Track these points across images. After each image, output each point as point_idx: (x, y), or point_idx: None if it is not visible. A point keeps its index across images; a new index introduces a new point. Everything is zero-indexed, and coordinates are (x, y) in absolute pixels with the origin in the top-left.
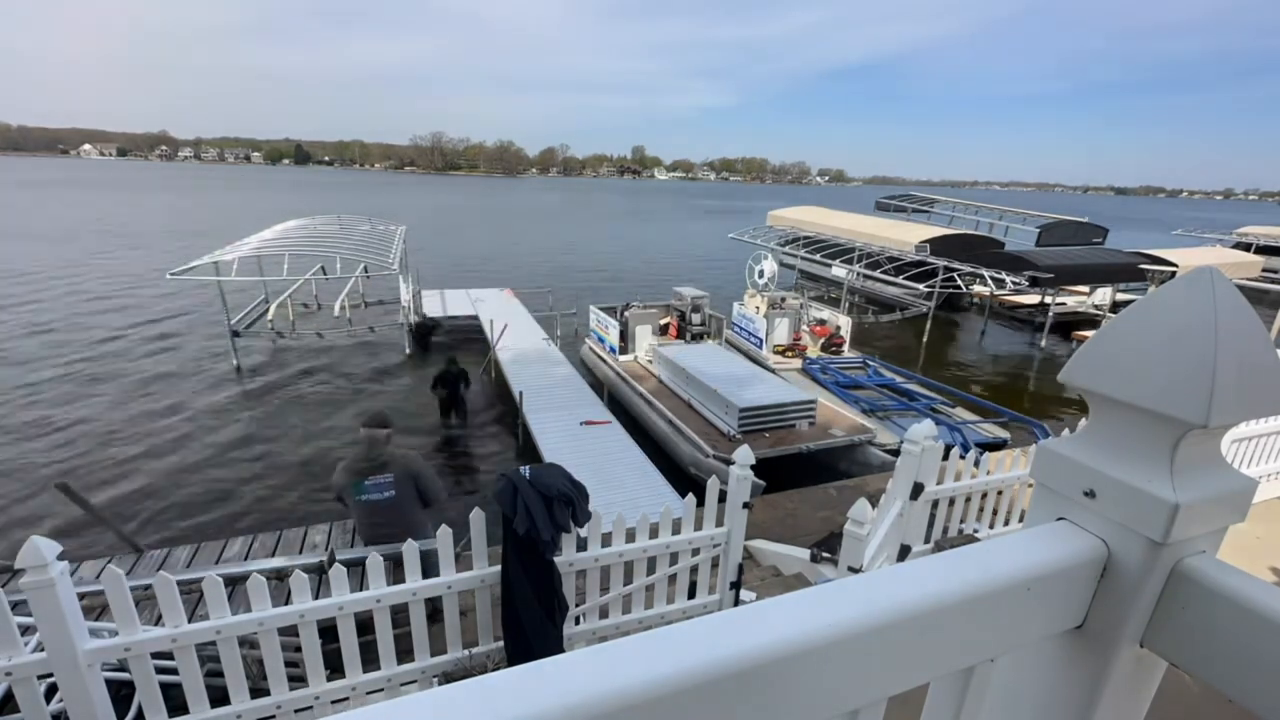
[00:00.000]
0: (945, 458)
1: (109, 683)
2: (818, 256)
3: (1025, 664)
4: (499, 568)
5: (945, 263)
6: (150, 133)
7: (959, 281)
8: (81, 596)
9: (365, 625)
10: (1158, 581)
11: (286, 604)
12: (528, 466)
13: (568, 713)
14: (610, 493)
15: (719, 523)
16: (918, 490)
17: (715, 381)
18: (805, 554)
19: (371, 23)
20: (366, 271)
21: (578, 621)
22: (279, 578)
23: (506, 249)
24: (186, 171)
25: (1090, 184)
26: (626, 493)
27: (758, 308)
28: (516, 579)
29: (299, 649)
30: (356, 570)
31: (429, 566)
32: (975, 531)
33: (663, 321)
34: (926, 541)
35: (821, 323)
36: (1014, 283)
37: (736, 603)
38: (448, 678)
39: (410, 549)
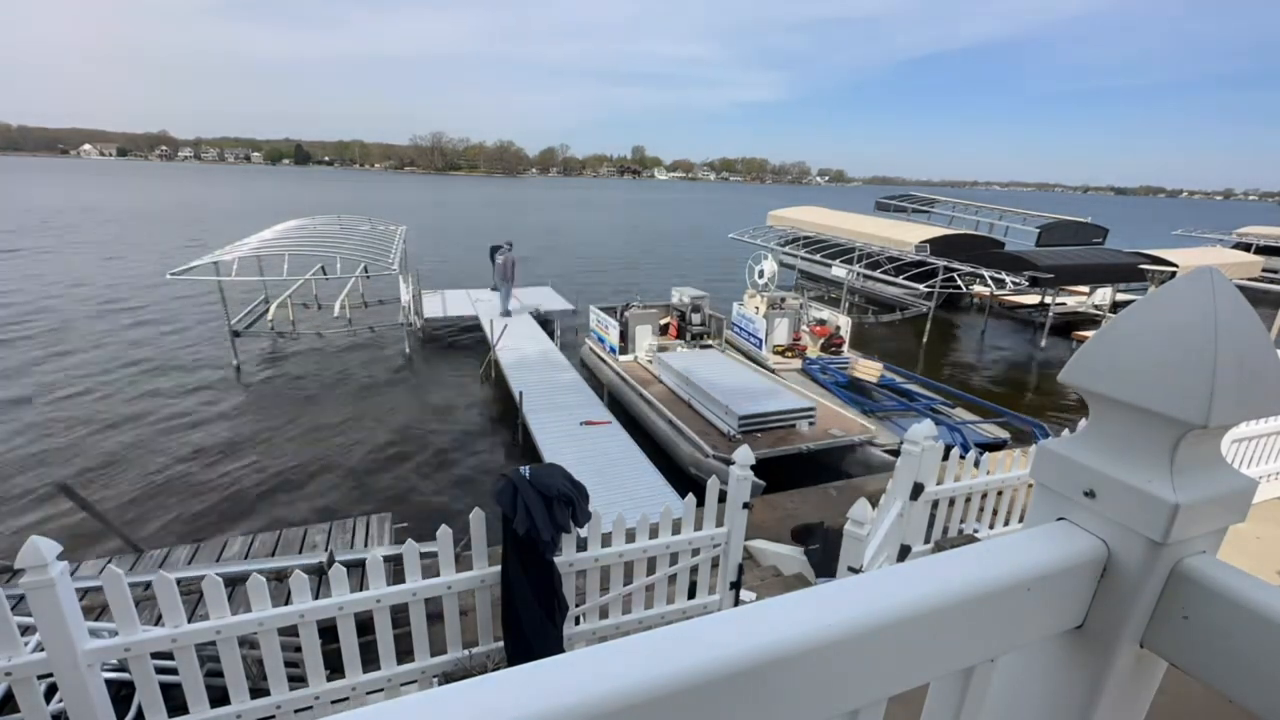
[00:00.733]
0: (945, 458)
1: (109, 683)
2: (818, 256)
3: (1025, 664)
4: (499, 568)
5: (945, 263)
6: (150, 132)
7: (959, 282)
8: (82, 595)
9: (365, 625)
10: (1158, 582)
11: (287, 604)
12: (527, 466)
13: (567, 713)
14: (610, 493)
15: (719, 523)
16: (918, 490)
17: (715, 389)
18: (804, 554)
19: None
20: (367, 272)
21: (578, 621)
22: (279, 578)
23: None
24: (187, 172)
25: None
26: (626, 493)
27: (757, 308)
28: (516, 579)
29: (299, 649)
30: (356, 570)
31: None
32: (975, 532)
33: (663, 321)
34: (926, 541)
35: (821, 323)
36: (1014, 283)
37: (736, 603)
38: (448, 678)
39: (410, 549)
